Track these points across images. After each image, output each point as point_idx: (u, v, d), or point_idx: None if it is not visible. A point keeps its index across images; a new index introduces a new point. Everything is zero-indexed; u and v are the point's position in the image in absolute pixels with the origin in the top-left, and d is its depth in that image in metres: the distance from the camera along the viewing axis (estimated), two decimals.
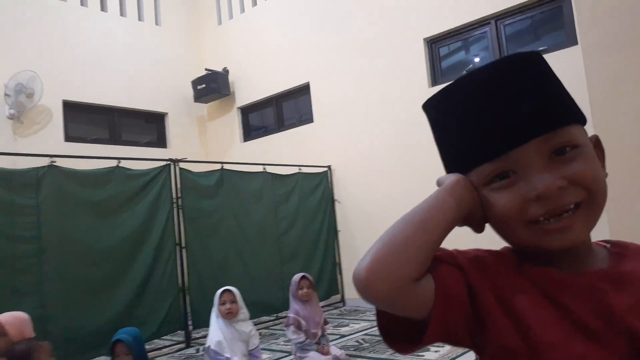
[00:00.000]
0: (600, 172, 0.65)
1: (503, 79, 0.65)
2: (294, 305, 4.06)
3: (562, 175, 0.62)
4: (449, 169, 0.72)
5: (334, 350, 3.97)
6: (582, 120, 0.67)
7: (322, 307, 4.94)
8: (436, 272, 0.64)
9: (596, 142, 0.70)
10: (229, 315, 3.62)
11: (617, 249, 0.70)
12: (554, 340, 0.61)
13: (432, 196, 0.67)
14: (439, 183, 0.70)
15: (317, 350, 3.89)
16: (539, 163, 0.62)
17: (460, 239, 0.87)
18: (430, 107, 0.73)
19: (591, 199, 0.63)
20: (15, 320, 2.69)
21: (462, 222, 0.68)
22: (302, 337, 3.91)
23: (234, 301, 3.65)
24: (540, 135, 0.62)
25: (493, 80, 0.65)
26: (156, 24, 8.25)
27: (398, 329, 0.67)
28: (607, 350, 0.60)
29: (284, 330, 5.34)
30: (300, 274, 4.13)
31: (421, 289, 0.62)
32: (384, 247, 0.62)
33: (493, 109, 0.64)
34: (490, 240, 0.82)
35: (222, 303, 3.65)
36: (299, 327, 3.95)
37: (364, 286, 0.60)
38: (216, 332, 3.69)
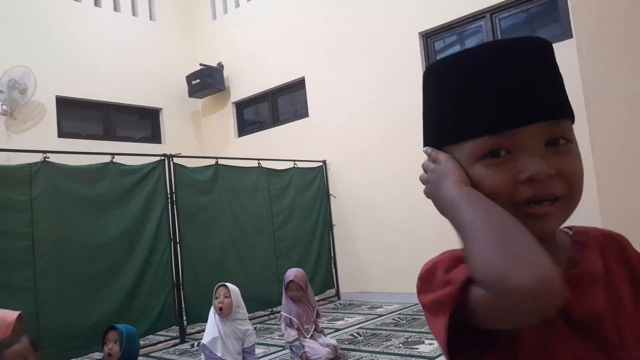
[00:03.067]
0: (583, 172, 0.66)
1: (523, 56, 0.64)
2: (287, 301, 4.08)
3: (554, 165, 0.62)
4: (437, 138, 0.70)
5: (329, 340, 4.01)
6: (573, 119, 0.68)
7: (317, 301, 4.95)
8: None
9: None
10: (221, 311, 3.64)
11: (579, 238, 0.72)
12: (522, 342, 0.61)
13: (475, 201, 0.61)
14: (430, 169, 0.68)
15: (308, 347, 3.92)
16: (536, 147, 0.63)
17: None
18: (439, 69, 0.70)
19: (570, 196, 0.64)
20: (5, 318, 2.70)
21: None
22: (291, 337, 3.91)
23: (227, 296, 3.67)
24: (549, 120, 0.63)
25: (513, 55, 0.64)
26: (150, 19, 8.20)
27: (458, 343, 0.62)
28: (572, 351, 0.62)
29: (279, 324, 5.35)
30: (290, 276, 4.10)
31: None
32: (532, 241, 0.54)
33: (510, 83, 0.63)
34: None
35: (216, 297, 3.69)
36: (290, 325, 3.96)
37: (545, 295, 0.50)
38: (212, 328, 3.71)
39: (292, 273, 4.13)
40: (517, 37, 0.66)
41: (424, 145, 0.73)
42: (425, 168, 0.70)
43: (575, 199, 0.65)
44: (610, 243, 0.73)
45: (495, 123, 0.63)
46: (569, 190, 0.64)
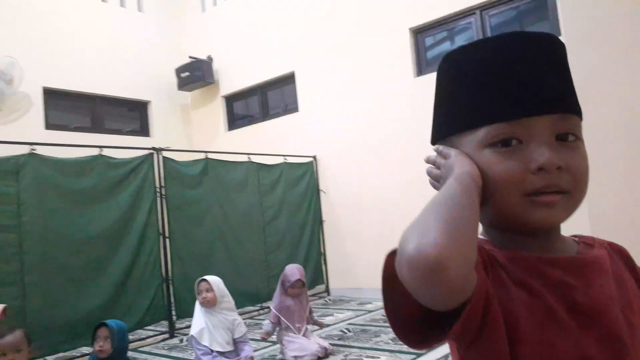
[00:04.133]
0: (588, 171, 0.67)
1: (538, 50, 0.67)
2: (279, 296, 4.04)
3: (562, 159, 0.64)
4: (449, 126, 0.71)
5: (320, 341, 3.97)
6: (582, 117, 0.70)
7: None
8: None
9: None
10: (207, 304, 3.71)
11: (586, 240, 0.74)
12: (526, 329, 0.61)
13: (456, 182, 0.62)
14: (445, 165, 0.68)
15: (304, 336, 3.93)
16: (547, 138, 0.64)
17: None
18: (456, 56, 0.71)
19: (575, 192, 0.65)
20: None
21: None
22: (268, 328, 3.94)
23: (209, 290, 3.73)
24: (563, 112, 0.65)
25: (529, 47, 0.66)
26: (139, 10, 8.12)
27: (408, 323, 0.62)
28: (575, 339, 0.62)
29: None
30: (297, 275, 4.02)
31: (472, 277, 0.57)
32: (453, 223, 0.54)
33: (524, 73, 0.65)
34: None
35: (198, 292, 3.75)
36: (278, 323, 3.96)
37: (439, 267, 0.51)
38: (199, 320, 3.74)
39: (296, 271, 4.05)
40: (536, 32, 0.69)
41: (432, 135, 0.75)
42: (438, 165, 0.71)
43: (581, 195, 0.66)
44: (616, 249, 0.75)
45: (511, 111, 0.65)
46: (575, 186, 0.65)
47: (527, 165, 0.63)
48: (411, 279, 0.53)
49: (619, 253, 0.75)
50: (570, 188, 0.64)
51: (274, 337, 4.05)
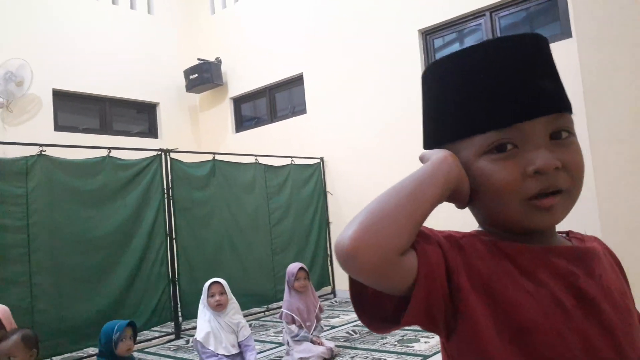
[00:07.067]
0: (584, 166, 0.68)
1: (525, 52, 0.66)
2: (289, 297, 4.04)
3: (558, 158, 0.64)
4: (442, 134, 0.71)
5: (326, 342, 3.97)
6: (572, 110, 0.70)
7: None
8: (420, 247, 0.62)
9: None
10: (219, 307, 3.60)
11: (575, 235, 0.75)
12: (533, 318, 0.61)
13: (420, 170, 0.65)
14: (423, 159, 0.69)
15: (310, 342, 3.90)
16: (541, 140, 0.64)
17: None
18: (441, 65, 0.71)
19: (574, 187, 0.66)
20: (5, 313, 2.67)
21: (448, 198, 0.68)
22: (294, 332, 3.91)
23: (222, 292, 3.62)
24: (554, 113, 0.65)
25: (515, 51, 0.66)
26: (148, 12, 8.15)
27: (374, 307, 0.65)
28: (580, 327, 0.62)
29: (274, 321, 5.35)
30: (297, 265, 4.10)
31: (406, 263, 0.60)
32: (373, 215, 0.60)
33: (513, 78, 0.65)
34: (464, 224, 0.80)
35: (211, 295, 3.61)
36: (292, 322, 3.95)
37: (350, 256, 0.57)
38: (204, 324, 3.65)
39: (296, 264, 4.13)
40: (516, 34, 0.67)
41: (424, 144, 0.74)
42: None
43: (577, 191, 0.67)
44: (604, 245, 0.76)
45: (503, 118, 0.64)
46: (573, 183, 0.65)
47: (524, 169, 0.63)
48: (341, 263, 0.60)
49: (608, 249, 0.77)
50: (568, 186, 0.65)
51: (279, 339, 4.04)
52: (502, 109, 0.64)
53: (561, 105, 0.66)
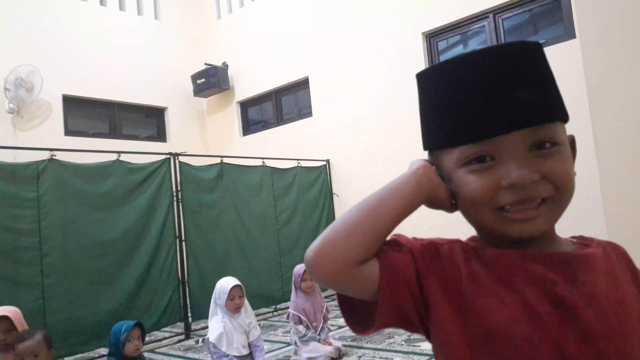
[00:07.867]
0: (572, 172, 0.67)
1: (503, 64, 0.65)
2: (296, 298, 4.08)
3: (538, 169, 0.63)
4: (428, 142, 0.73)
5: (333, 342, 4.01)
6: (566, 118, 0.68)
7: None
8: (383, 255, 0.66)
9: (572, 142, 0.71)
10: (238, 310, 3.59)
11: (583, 241, 0.74)
12: (500, 322, 0.63)
13: (391, 182, 0.70)
14: (410, 166, 0.72)
15: (317, 342, 3.94)
16: (519, 153, 0.64)
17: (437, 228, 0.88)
18: (426, 77, 0.73)
19: (558, 196, 0.65)
20: (16, 314, 2.70)
21: (430, 206, 0.71)
22: (302, 332, 3.95)
23: (242, 296, 3.62)
24: (530, 127, 0.63)
25: (493, 63, 0.65)
26: (155, 18, 8.25)
27: (357, 311, 0.70)
28: (553, 334, 0.62)
29: (282, 321, 5.39)
30: (304, 266, 4.10)
31: (366, 271, 0.65)
32: (332, 231, 0.65)
33: (488, 92, 0.64)
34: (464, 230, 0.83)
35: (231, 298, 3.57)
36: (299, 322, 3.99)
37: (311, 266, 0.65)
38: (217, 324, 3.66)
39: (303, 265, 4.11)
40: (502, 44, 0.68)
41: (423, 147, 0.77)
42: None
43: (565, 199, 0.66)
44: (614, 246, 0.75)
45: (476, 132, 0.64)
46: (557, 191, 0.65)
47: (498, 182, 0.64)
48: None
49: (618, 249, 0.75)
50: (551, 194, 0.65)
51: (287, 338, 4.08)
52: (476, 124, 0.64)
53: (543, 116, 0.64)
